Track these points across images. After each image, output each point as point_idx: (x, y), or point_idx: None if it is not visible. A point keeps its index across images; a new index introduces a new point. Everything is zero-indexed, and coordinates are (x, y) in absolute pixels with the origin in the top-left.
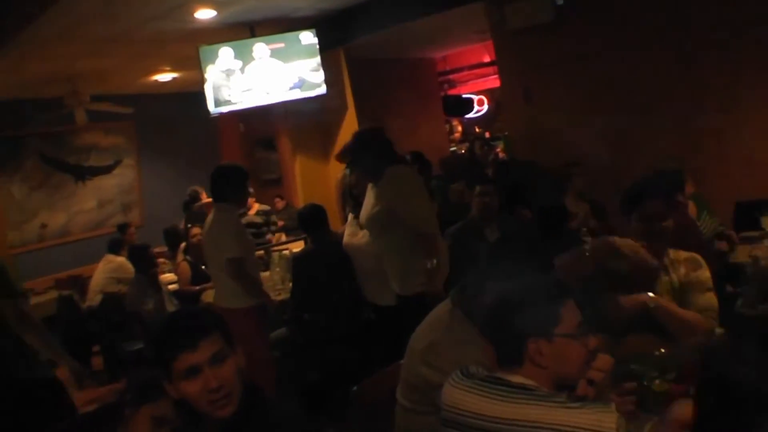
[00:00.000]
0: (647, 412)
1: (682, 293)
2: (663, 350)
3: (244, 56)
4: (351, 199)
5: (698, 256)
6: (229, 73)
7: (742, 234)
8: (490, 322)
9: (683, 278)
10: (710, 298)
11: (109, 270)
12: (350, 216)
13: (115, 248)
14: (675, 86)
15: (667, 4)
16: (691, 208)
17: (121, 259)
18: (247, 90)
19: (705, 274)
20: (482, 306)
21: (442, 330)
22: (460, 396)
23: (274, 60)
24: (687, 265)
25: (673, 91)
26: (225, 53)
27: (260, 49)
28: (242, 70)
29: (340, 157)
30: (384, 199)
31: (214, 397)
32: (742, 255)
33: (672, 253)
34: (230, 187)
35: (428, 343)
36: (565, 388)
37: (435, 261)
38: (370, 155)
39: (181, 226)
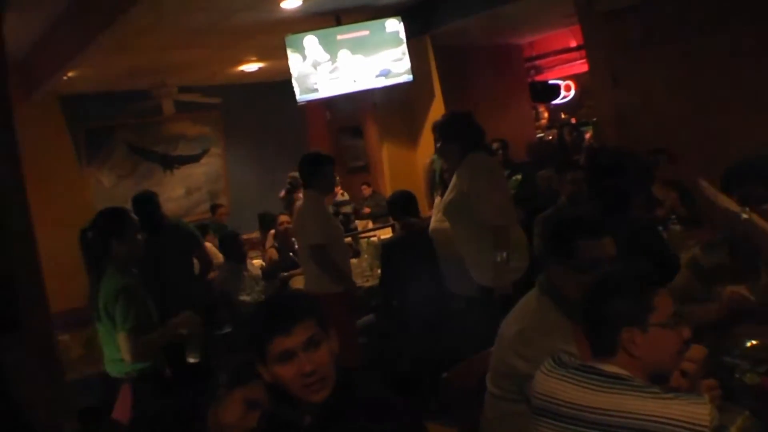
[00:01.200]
0: (738, 405)
1: None
2: (755, 342)
3: (330, 45)
4: (440, 183)
5: None
6: (314, 61)
7: None
8: (583, 310)
9: None
10: None
11: None
12: (437, 200)
13: (201, 233)
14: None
15: None
16: None
17: (207, 245)
18: (333, 78)
19: None
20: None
21: (530, 318)
22: (554, 384)
23: (359, 48)
24: None
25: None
26: (310, 42)
27: (346, 37)
28: (328, 58)
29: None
30: (460, 186)
31: (308, 382)
32: None
33: None
34: (316, 174)
35: (517, 331)
36: (658, 379)
37: (504, 255)
38: (454, 139)
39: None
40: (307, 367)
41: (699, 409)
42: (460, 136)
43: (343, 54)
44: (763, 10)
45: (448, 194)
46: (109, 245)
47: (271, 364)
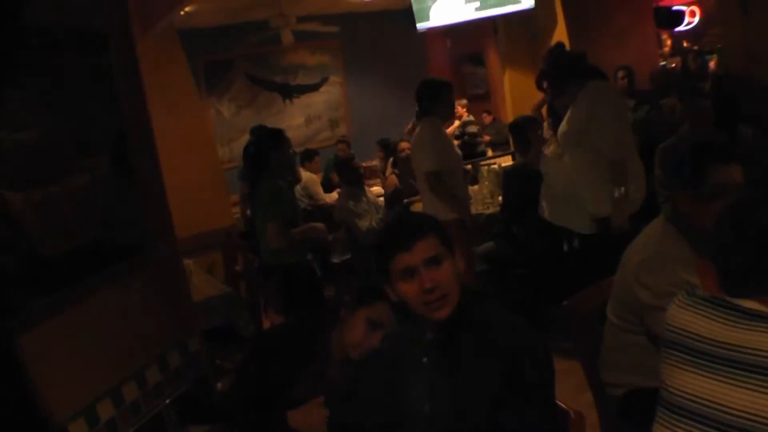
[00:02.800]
0: None
1: None
2: None
3: None
4: (551, 115)
5: None
6: None
7: None
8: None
9: None
10: None
11: (299, 185)
12: (550, 133)
13: (304, 161)
14: None
15: None
16: None
17: (308, 175)
18: (454, 5)
19: None
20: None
21: (654, 247)
22: (688, 318)
23: None
24: None
25: None
26: None
27: None
28: None
29: (537, 83)
30: (577, 118)
31: (429, 299)
32: None
33: None
34: (434, 101)
35: (640, 260)
36: None
37: (623, 189)
38: (562, 72)
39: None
40: (428, 283)
41: None
42: (567, 69)
43: None
44: None
45: (564, 125)
46: (267, 155)
47: (394, 281)
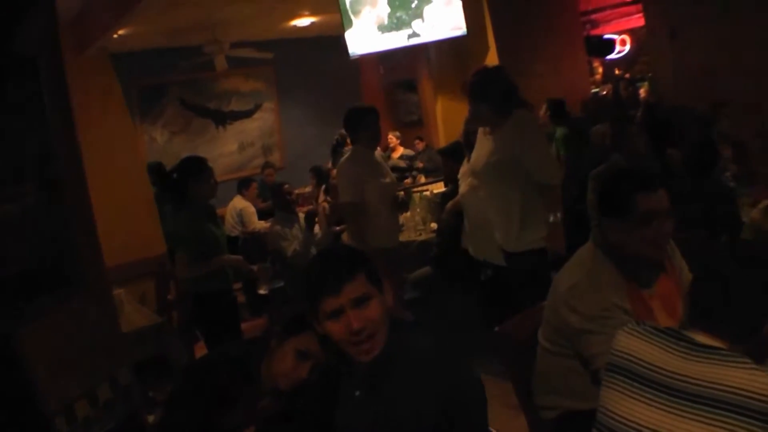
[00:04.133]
0: None
1: None
2: None
3: None
4: (466, 146)
5: None
6: (367, 16)
7: None
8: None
9: None
10: None
11: (234, 213)
12: (465, 164)
13: (241, 188)
14: None
15: None
16: None
17: (244, 203)
18: (387, 32)
19: None
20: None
21: (584, 273)
22: (636, 344)
23: (413, 1)
24: None
25: None
26: None
27: None
28: (381, 12)
29: (462, 90)
30: (507, 147)
31: (358, 339)
32: None
33: None
34: (357, 128)
35: (570, 285)
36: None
37: (558, 215)
38: (494, 96)
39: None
40: (356, 324)
41: None
42: (500, 94)
43: (397, 8)
44: None
45: (489, 156)
46: (186, 185)
47: (322, 321)
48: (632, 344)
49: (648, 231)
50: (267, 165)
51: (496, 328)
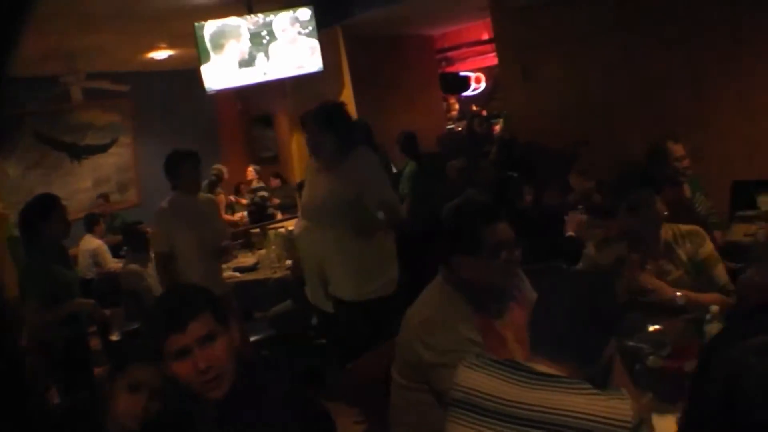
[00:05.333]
0: (642, 388)
1: (695, 270)
2: (657, 327)
3: (241, 33)
4: (298, 188)
5: (699, 229)
6: (224, 50)
7: (738, 213)
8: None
9: (692, 255)
10: (723, 270)
11: (88, 254)
12: (299, 203)
13: (91, 226)
14: (675, 66)
15: None
16: (686, 189)
17: (95, 242)
18: (243, 67)
19: (710, 245)
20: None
21: (434, 306)
22: (477, 377)
23: (270, 37)
24: (691, 239)
25: (674, 71)
26: (221, 30)
27: (256, 25)
28: (238, 47)
29: (302, 125)
30: (348, 185)
31: (204, 378)
32: (737, 233)
33: (674, 227)
34: (175, 174)
35: (421, 320)
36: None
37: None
38: (338, 127)
39: None
40: (202, 363)
41: (623, 405)
42: (343, 127)
43: (254, 43)
44: (670, 14)
45: (326, 195)
46: (36, 227)
47: (168, 361)
48: (472, 377)
49: (498, 262)
50: (101, 194)
51: (348, 366)
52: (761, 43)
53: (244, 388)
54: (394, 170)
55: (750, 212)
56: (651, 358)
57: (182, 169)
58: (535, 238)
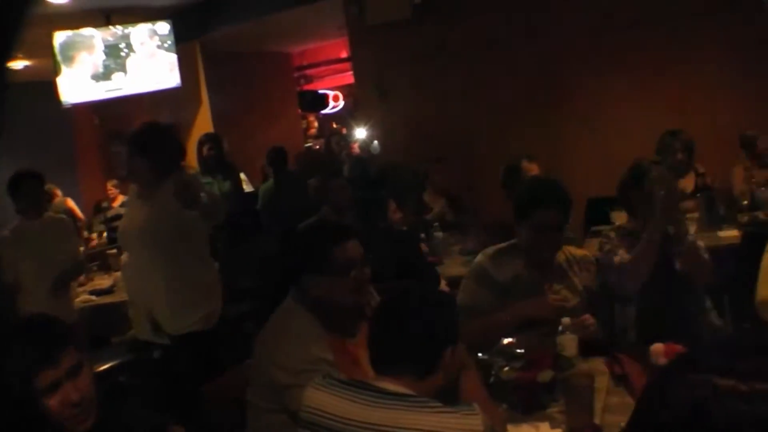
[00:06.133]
0: (497, 400)
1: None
2: (511, 339)
3: (95, 44)
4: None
5: (589, 255)
6: (81, 62)
7: (593, 228)
8: (401, 331)
9: (588, 283)
10: None
11: None
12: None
13: None
14: (533, 87)
15: (528, 10)
16: None
17: None
18: (101, 81)
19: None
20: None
21: (286, 327)
22: (324, 398)
23: (128, 50)
24: (584, 267)
25: (531, 91)
26: (78, 41)
27: (115, 37)
28: (95, 59)
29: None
30: (165, 211)
31: (75, 412)
32: (591, 249)
33: (566, 251)
34: (17, 196)
35: (273, 341)
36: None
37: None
38: (154, 151)
39: None
40: (75, 395)
41: (472, 420)
42: (159, 152)
43: (111, 56)
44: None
45: (143, 223)
46: None
47: (39, 398)
48: (318, 398)
49: (348, 281)
50: None
51: (202, 387)
52: (613, 66)
53: (105, 417)
54: (251, 189)
55: (604, 227)
56: (505, 369)
57: (23, 191)
58: (390, 257)
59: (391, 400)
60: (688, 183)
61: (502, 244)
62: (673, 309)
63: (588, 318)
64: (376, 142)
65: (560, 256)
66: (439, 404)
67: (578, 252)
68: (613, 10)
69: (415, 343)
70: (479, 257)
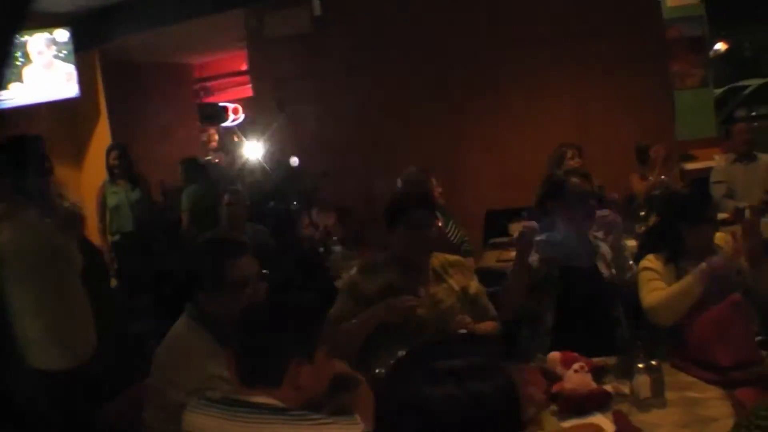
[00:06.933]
0: None
1: (467, 300)
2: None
3: None
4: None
5: (463, 260)
6: None
7: (491, 240)
8: (243, 341)
9: (464, 286)
10: (488, 301)
11: None
12: None
13: None
14: (431, 103)
15: (428, 29)
16: (439, 219)
17: None
18: None
19: (476, 278)
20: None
21: (180, 345)
22: (201, 420)
23: (25, 59)
24: (459, 270)
25: (430, 108)
26: None
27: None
28: None
29: None
30: (27, 238)
31: None
32: (489, 260)
33: (439, 256)
34: None
35: (168, 360)
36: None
37: None
38: (14, 172)
39: None
40: None
41: (352, 430)
42: (19, 170)
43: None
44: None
45: (3, 249)
46: None
47: None
48: (196, 422)
49: (243, 297)
50: None
51: (100, 409)
52: (511, 87)
53: None
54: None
55: (502, 239)
56: None
57: None
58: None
59: (267, 415)
60: None
61: (378, 259)
62: (591, 318)
63: (465, 317)
64: (295, 157)
65: (434, 261)
66: (318, 416)
67: (451, 257)
68: (511, 30)
69: (259, 354)
70: (352, 271)
